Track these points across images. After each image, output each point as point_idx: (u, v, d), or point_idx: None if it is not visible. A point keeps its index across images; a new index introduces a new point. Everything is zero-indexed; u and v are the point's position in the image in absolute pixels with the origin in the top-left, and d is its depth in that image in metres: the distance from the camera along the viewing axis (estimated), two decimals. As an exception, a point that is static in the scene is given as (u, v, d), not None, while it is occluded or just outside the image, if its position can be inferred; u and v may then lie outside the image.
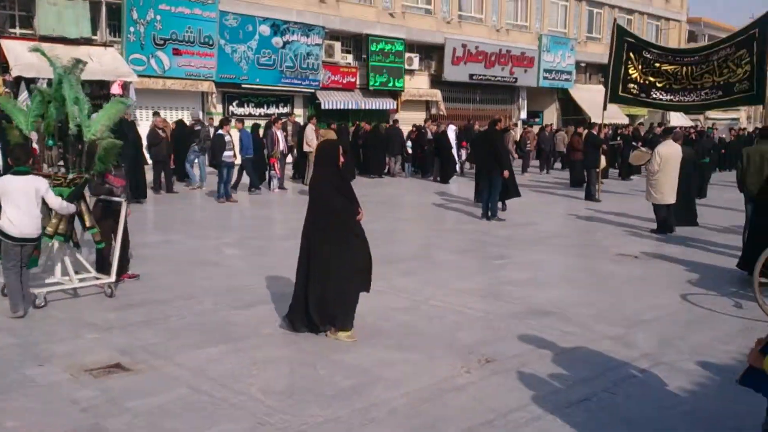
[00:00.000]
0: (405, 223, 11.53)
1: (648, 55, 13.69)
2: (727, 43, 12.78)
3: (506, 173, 11.54)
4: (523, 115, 29.96)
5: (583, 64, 32.16)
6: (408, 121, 21.90)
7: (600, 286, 7.36)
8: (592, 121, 16.98)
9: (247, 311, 5.95)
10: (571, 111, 30.78)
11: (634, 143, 19.51)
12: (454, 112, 25.92)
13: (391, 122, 21.18)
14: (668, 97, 13.72)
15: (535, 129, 24.61)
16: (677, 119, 35.82)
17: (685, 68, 13.23)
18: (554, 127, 27.40)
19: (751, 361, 3.08)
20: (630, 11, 34.53)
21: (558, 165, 23.20)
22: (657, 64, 13.57)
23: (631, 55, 13.78)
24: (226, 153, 12.22)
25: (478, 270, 8.08)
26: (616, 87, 14.01)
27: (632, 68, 13.84)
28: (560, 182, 18.28)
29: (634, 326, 5.77)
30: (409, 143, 19.27)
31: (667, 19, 37.32)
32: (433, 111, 24.99)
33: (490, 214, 11.42)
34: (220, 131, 12.55)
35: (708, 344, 5.30)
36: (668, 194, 10.20)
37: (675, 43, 35.93)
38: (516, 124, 19.64)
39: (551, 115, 31.44)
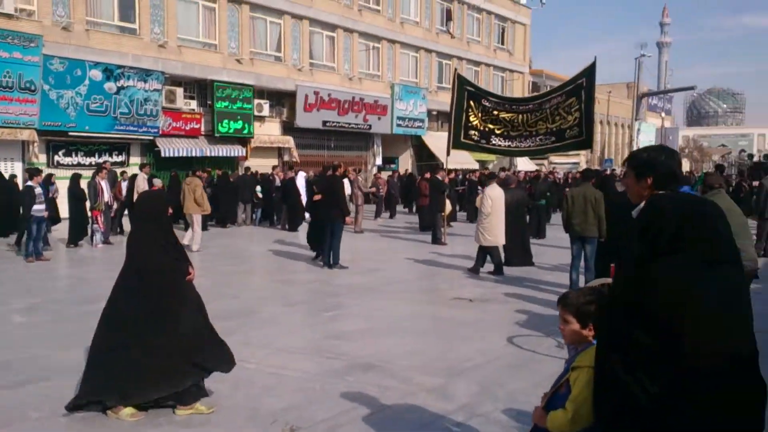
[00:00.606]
0: (239, 276, 10.79)
1: (487, 104, 14.14)
2: (558, 92, 13.47)
3: (348, 219, 11.44)
4: (379, 161, 30.42)
5: (434, 112, 33.38)
6: (259, 168, 21.25)
7: (431, 333, 7.13)
8: (446, 166, 17.43)
9: (17, 391, 5.01)
10: (425, 157, 31.67)
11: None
12: (308, 159, 25.68)
13: (242, 170, 20.49)
14: (506, 143, 14.20)
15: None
16: (524, 163, 38.08)
17: (521, 116, 13.79)
18: (409, 172, 28.00)
19: (535, 420, 2.82)
20: (477, 63, 36.56)
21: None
22: (495, 112, 14.04)
23: (471, 103, 14.18)
24: (35, 207, 10.94)
25: (308, 324, 7.60)
26: (459, 133, 14.31)
27: (473, 116, 14.23)
28: (412, 227, 18.39)
29: (456, 375, 5.52)
30: (258, 188, 18.64)
31: (512, 71, 39.97)
32: (286, 158, 24.59)
33: (332, 261, 11.03)
34: (29, 183, 11.25)
35: (524, 390, 5.12)
36: (500, 235, 10.40)
37: (519, 92, 38.44)
38: (357, 171, 19.67)
39: (406, 161, 32.18)
